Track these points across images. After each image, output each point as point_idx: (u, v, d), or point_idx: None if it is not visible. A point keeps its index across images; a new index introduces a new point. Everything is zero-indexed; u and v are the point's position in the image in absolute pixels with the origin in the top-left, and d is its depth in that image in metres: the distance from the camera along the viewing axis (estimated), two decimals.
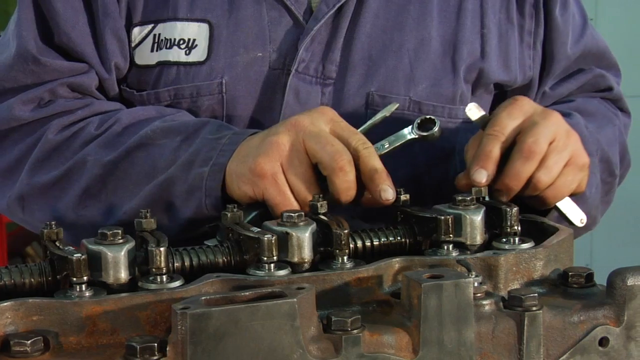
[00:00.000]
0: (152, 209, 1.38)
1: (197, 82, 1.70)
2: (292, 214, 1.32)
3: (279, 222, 1.33)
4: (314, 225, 1.33)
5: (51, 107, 1.68)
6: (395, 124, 1.61)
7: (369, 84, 1.73)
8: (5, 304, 1.15)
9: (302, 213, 1.33)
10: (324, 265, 1.32)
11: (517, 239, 1.39)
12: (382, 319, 1.24)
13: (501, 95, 1.85)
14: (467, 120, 1.65)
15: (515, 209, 1.41)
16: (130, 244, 1.25)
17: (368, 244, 1.40)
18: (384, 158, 1.50)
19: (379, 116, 1.62)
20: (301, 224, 1.32)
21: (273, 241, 1.28)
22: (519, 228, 1.41)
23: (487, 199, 1.51)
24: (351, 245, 1.37)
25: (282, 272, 1.27)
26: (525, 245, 1.38)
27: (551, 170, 1.54)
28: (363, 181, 1.47)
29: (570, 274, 1.34)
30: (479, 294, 1.26)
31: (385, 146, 1.58)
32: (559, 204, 1.61)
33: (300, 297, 1.15)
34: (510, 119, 1.56)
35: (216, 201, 1.53)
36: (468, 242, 1.39)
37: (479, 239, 1.40)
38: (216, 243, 1.36)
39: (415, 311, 1.20)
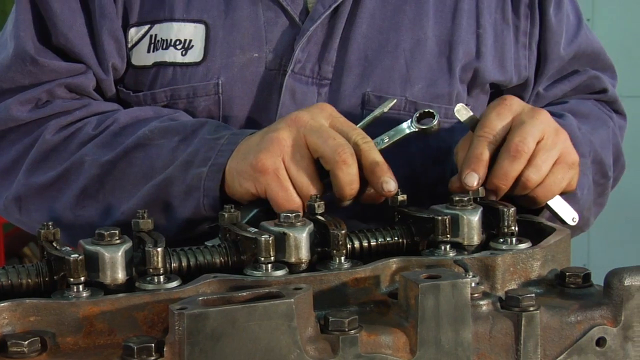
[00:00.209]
0: (150, 209, 1.38)
1: (194, 83, 1.70)
2: (290, 215, 1.32)
3: (276, 223, 1.33)
4: (311, 226, 1.33)
5: (49, 108, 1.68)
6: (391, 125, 1.61)
7: (365, 84, 1.72)
8: (3, 304, 1.15)
9: (300, 213, 1.33)
10: (321, 266, 1.32)
11: (514, 239, 1.39)
12: (379, 320, 1.24)
13: (497, 95, 1.84)
14: None
15: (512, 210, 1.41)
16: (128, 245, 1.25)
17: (365, 244, 1.40)
18: (383, 153, 1.50)
19: (377, 112, 1.61)
20: (298, 224, 1.32)
21: (270, 241, 1.28)
22: (516, 228, 1.41)
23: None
24: (348, 246, 1.37)
25: (279, 273, 1.27)
26: (522, 246, 1.38)
27: (540, 168, 1.54)
28: (364, 175, 1.47)
29: (567, 274, 1.34)
30: (476, 295, 1.26)
31: (385, 140, 1.58)
32: (550, 203, 1.61)
33: (298, 298, 1.15)
34: (499, 119, 1.56)
35: (214, 201, 1.53)
36: (465, 243, 1.39)
37: (476, 239, 1.40)
38: (218, 243, 1.36)
39: (412, 311, 1.20)
